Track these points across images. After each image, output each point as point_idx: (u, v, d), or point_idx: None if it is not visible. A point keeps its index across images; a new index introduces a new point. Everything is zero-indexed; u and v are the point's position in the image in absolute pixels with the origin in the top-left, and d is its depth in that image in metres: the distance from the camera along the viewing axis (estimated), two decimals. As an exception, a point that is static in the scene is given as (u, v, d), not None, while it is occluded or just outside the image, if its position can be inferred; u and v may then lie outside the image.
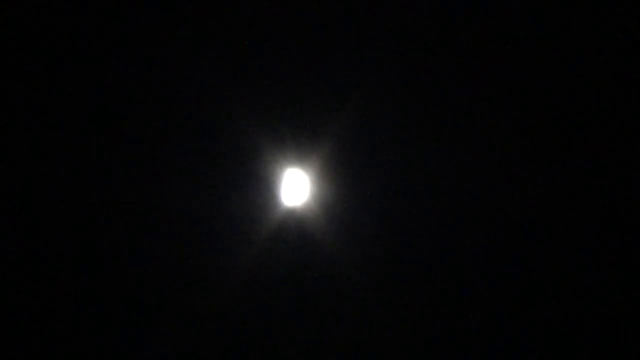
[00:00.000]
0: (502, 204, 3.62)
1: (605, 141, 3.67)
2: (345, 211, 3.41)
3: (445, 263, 3.52)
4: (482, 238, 3.58)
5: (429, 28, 3.52)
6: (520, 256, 3.59)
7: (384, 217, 3.46)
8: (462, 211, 3.54)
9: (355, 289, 3.42)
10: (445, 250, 3.52)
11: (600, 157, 3.65)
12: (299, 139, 3.38)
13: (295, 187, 3.41)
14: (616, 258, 3.64)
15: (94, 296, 3.41)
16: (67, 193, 3.41)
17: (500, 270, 3.56)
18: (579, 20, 3.65)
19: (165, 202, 3.33)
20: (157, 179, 3.35)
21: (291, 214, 3.41)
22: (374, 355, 3.46)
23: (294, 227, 3.40)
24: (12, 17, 3.44)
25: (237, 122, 3.34)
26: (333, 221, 3.41)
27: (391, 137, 3.44)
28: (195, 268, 3.36)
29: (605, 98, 3.68)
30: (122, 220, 3.35)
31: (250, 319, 3.39)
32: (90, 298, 3.40)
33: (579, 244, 3.64)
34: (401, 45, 3.49)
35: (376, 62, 3.44)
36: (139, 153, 3.36)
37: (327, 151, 3.39)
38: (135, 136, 3.36)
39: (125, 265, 3.38)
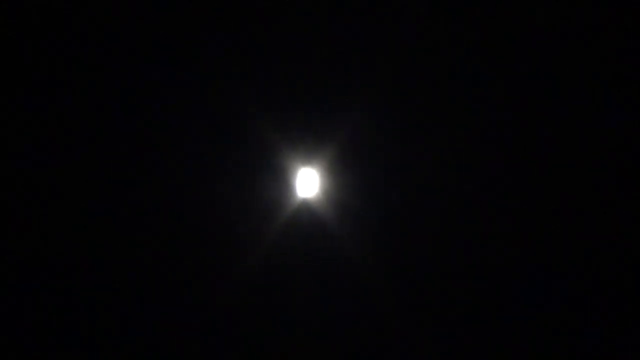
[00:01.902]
0: (501, 197, 3.64)
1: (604, 141, 3.61)
2: (351, 202, 3.57)
3: (443, 247, 3.61)
4: (482, 228, 3.63)
5: (430, 35, 3.60)
6: (518, 251, 3.60)
7: (386, 207, 3.59)
8: (460, 204, 3.62)
9: (360, 270, 3.57)
10: (441, 235, 3.62)
11: (599, 158, 3.62)
12: (311, 140, 3.55)
13: (308, 181, 3.59)
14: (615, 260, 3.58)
15: (126, 279, 3.53)
16: (96, 187, 3.53)
17: (502, 260, 3.60)
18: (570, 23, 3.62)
19: (196, 195, 3.52)
20: (191, 176, 3.52)
21: (304, 205, 3.58)
22: (379, 334, 3.58)
23: (306, 216, 3.57)
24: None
25: (259, 127, 3.52)
26: (340, 211, 3.58)
27: (392, 137, 3.58)
28: (220, 251, 3.53)
29: (604, 98, 3.62)
30: (160, 208, 3.53)
31: (267, 296, 3.55)
32: (123, 281, 3.53)
33: (579, 239, 3.61)
34: (403, 51, 3.57)
35: (378, 71, 3.57)
36: (179, 153, 3.52)
37: (335, 150, 3.55)
38: (177, 139, 3.52)
39: (156, 248, 3.52)
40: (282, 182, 3.57)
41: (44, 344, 3.48)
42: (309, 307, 3.55)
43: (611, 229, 3.60)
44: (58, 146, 3.53)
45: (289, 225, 3.54)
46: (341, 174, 3.59)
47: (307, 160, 3.57)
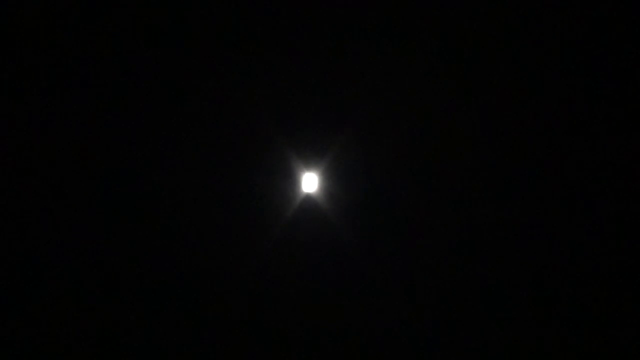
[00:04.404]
0: (498, 196, 3.67)
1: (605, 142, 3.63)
2: (347, 197, 3.77)
3: (436, 237, 3.74)
4: (479, 223, 3.70)
5: (426, 41, 3.68)
6: (516, 249, 3.66)
7: (378, 201, 3.76)
8: (453, 199, 3.72)
9: (355, 254, 3.74)
10: (434, 227, 3.75)
11: (599, 158, 3.63)
12: (314, 145, 3.75)
13: (310, 180, 3.78)
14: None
15: (137, 269, 3.66)
16: (109, 189, 3.67)
17: (499, 257, 3.68)
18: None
19: (212, 193, 3.72)
20: (208, 177, 3.73)
21: (307, 199, 3.78)
22: (370, 309, 3.72)
23: (310, 208, 3.77)
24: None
25: (270, 135, 3.72)
26: (338, 204, 3.76)
27: (384, 142, 3.76)
28: (237, 239, 3.74)
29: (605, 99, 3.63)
30: (180, 206, 3.72)
31: (276, 275, 3.73)
32: (134, 271, 3.66)
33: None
34: (399, 57, 3.69)
35: (376, 79, 3.71)
36: (204, 158, 3.70)
37: (334, 154, 3.75)
38: (202, 144, 3.70)
39: (179, 236, 3.70)
40: (288, 180, 3.76)
41: (47, 344, 3.59)
42: (311, 289, 3.73)
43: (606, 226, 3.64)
44: (61, 144, 3.64)
45: (294, 217, 3.74)
46: (340, 174, 3.76)
47: (310, 161, 3.76)
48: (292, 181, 3.78)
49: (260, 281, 3.74)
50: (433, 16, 3.67)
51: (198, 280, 3.72)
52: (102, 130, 3.66)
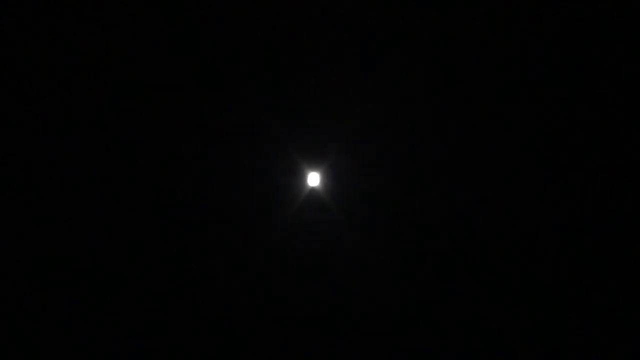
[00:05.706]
0: (493, 193, 3.89)
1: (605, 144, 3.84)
2: (344, 191, 4.21)
3: (414, 217, 4.09)
4: (475, 219, 3.94)
5: (422, 47, 3.92)
6: (514, 247, 3.90)
7: (370, 194, 4.18)
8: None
9: (351, 237, 4.16)
10: (414, 207, 4.10)
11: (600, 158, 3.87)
12: (316, 150, 4.17)
13: (315, 177, 4.21)
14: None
15: (155, 257, 3.99)
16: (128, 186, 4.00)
17: (497, 255, 3.92)
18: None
19: (240, 189, 4.17)
20: (234, 177, 4.16)
21: (312, 192, 4.21)
22: (363, 284, 4.16)
23: (314, 200, 4.18)
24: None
25: (281, 142, 4.14)
26: (337, 197, 4.19)
27: (375, 148, 4.17)
28: (254, 225, 4.18)
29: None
30: (200, 195, 4.16)
31: (286, 253, 4.17)
32: (152, 259, 3.99)
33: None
34: (397, 62, 3.95)
35: (375, 82, 4.01)
36: (227, 161, 4.12)
37: (332, 157, 4.17)
38: (227, 150, 4.09)
39: (200, 222, 4.12)
40: (296, 178, 4.21)
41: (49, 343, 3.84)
42: (313, 265, 4.20)
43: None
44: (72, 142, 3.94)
45: (301, 207, 4.19)
46: (338, 173, 4.19)
47: (314, 163, 4.19)
48: (299, 178, 4.22)
49: (272, 258, 4.25)
50: (430, 26, 3.91)
51: (219, 262, 4.18)
52: (122, 131, 4.07)
